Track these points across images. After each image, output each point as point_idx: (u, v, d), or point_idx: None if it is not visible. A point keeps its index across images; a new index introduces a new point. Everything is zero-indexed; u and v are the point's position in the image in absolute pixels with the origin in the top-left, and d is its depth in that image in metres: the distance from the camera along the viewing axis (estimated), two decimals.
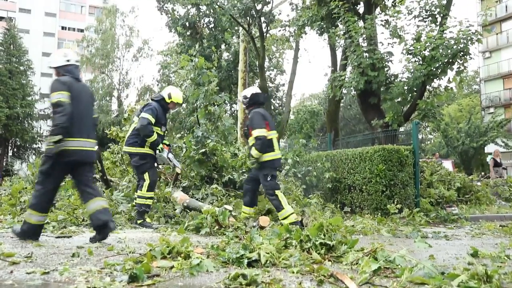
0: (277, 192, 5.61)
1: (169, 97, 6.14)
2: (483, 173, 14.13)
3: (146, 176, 5.81)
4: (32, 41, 46.38)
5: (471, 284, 2.44)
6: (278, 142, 6.32)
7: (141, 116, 5.84)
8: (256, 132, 5.63)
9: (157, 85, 37.97)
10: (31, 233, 4.07)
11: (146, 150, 5.87)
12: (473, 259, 3.36)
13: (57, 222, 5.30)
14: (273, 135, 5.80)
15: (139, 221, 5.74)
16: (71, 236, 4.54)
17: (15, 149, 36.69)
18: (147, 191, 5.79)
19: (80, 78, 4.40)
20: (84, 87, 4.45)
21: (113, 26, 40.07)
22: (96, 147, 7.34)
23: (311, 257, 3.29)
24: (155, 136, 5.84)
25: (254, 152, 5.64)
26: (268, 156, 5.67)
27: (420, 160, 8.95)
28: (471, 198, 10.02)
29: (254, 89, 6.25)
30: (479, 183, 11.39)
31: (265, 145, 5.62)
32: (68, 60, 4.34)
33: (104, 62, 38.54)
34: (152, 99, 6.23)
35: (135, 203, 5.90)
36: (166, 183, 7.76)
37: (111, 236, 4.56)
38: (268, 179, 5.63)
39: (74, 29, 52.75)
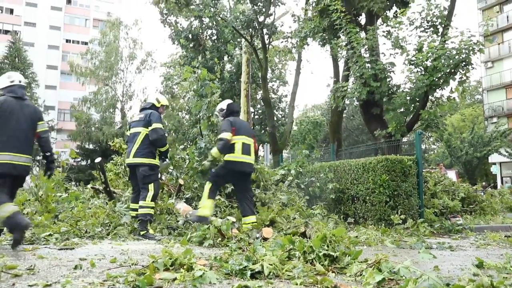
0: (209, 182, 6.11)
1: (158, 102, 6.39)
2: (484, 183, 13.97)
3: (151, 186, 5.89)
4: (37, 54, 46.80)
5: None
6: (256, 150, 6.76)
7: (156, 127, 5.96)
8: (220, 135, 6.08)
9: None
10: None
11: (156, 161, 6.06)
12: (478, 270, 3.33)
13: (60, 234, 5.28)
14: (238, 139, 6.07)
15: (142, 232, 5.69)
16: (73, 248, 4.53)
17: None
18: (151, 201, 5.87)
19: (23, 97, 4.80)
20: (25, 105, 4.76)
21: (116, 38, 40.40)
22: (100, 159, 7.40)
23: (315, 269, 3.27)
24: (168, 146, 6.21)
25: (214, 150, 6.15)
26: (227, 157, 6.05)
27: (423, 170, 8.92)
28: (476, 208, 9.96)
29: (228, 101, 6.71)
30: (483, 193, 11.33)
31: (226, 147, 5.97)
32: (12, 81, 4.77)
33: (107, 74, 38.77)
34: (145, 108, 6.32)
35: (139, 213, 5.88)
36: (169, 194, 7.75)
37: (114, 248, 4.55)
38: (213, 170, 6.32)
39: (78, 42, 53.27)
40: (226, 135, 5.98)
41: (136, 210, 6.10)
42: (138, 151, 5.98)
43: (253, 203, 6.47)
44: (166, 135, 6.61)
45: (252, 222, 5.96)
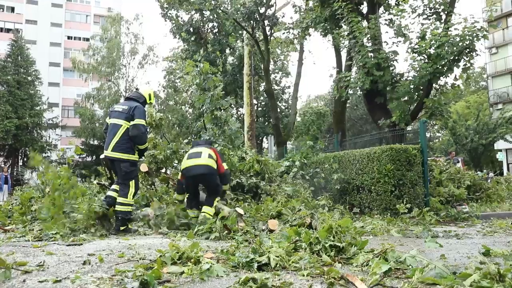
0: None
1: (150, 98, 6.13)
2: (486, 172, 13.78)
3: (132, 183, 5.70)
4: (39, 52, 46.83)
5: (484, 284, 2.41)
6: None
7: (138, 123, 5.66)
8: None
9: (163, 91, 38.10)
10: None
11: (136, 157, 5.81)
12: (485, 258, 3.33)
13: (67, 230, 5.31)
14: None
15: (122, 228, 5.57)
16: (81, 244, 4.57)
17: (25, 159, 37.00)
18: (132, 198, 5.73)
19: None
20: None
21: (118, 34, 40.32)
22: (104, 155, 7.41)
23: (321, 260, 3.28)
24: (147, 144, 5.84)
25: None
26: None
27: (428, 159, 8.89)
28: (482, 195, 9.93)
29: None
30: (489, 181, 11.29)
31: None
32: None
33: (110, 70, 38.75)
34: (132, 98, 6.02)
35: (119, 210, 5.60)
36: (174, 188, 7.78)
37: (122, 243, 4.58)
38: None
39: (80, 38, 53.23)
40: None
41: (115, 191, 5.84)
42: (118, 145, 5.67)
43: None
44: (148, 132, 6.29)
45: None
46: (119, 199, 5.63)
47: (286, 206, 6.73)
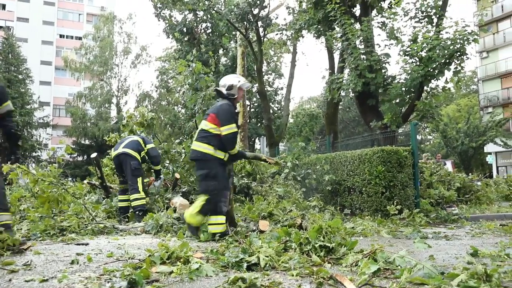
0: None
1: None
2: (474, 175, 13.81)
3: (140, 180, 6.49)
4: (31, 50, 46.48)
5: (471, 284, 2.43)
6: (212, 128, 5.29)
7: (154, 147, 6.98)
8: None
9: (156, 91, 37.97)
10: None
11: (140, 159, 6.69)
12: (472, 258, 3.36)
13: (55, 229, 5.27)
14: None
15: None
16: (70, 243, 4.53)
17: (8, 161, 36.56)
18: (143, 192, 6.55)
19: None
20: None
21: (111, 33, 40.16)
22: (95, 154, 7.41)
23: (311, 260, 3.28)
24: (160, 166, 7.19)
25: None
26: None
27: (419, 161, 8.95)
28: (471, 198, 10.02)
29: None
30: (479, 183, 11.39)
31: None
32: None
33: (102, 69, 38.57)
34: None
35: (136, 204, 6.36)
36: (165, 188, 7.75)
37: (111, 243, 4.56)
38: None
39: (72, 37, 52.90)
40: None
41: (125, 201, 6.60)
42: (128, 146, 6.61)
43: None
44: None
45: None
46: (133, 196, 6.37)
47: (277, 207, 6.73)
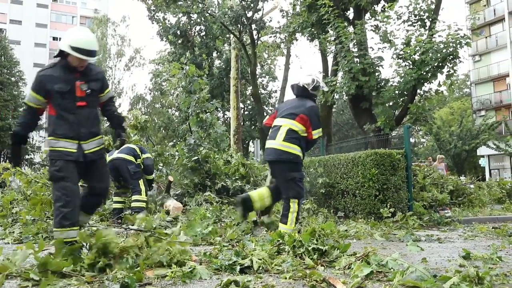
0: None
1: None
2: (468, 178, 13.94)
3: (141, 182, 6.46)
4: (24, 52, 46.23)
5: (463, 286, 2.45)
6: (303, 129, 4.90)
7: (150, 156, 6.92)
8: None
9: (150, 93, 37.92)
10: None
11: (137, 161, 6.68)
12: (465, 261, 3.37)
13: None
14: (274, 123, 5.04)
15: None
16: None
17: (7, 160, 36.37)
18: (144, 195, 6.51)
19: None
20: None
21: (104, 35, 40.09)
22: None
23: (304, 263, 3.28)
24: (153, 176, 7.15)
25: None
26: None
27: (412, 164, 8.98)
28: (464, 200, 10.07)
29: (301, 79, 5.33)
30: (472, 186, 11.45)
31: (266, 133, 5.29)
32: None
33: None
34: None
35: (135, 206, 6.34)
36: (159, 191, 7.73)
37: None
38: None
39: None
40: (264, 120, 5.34)
41: (119, 203, 6.67)
42: (123, 151, 6.54)
43: (285, 206, 4.80)
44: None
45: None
46: (135, 197, 6.36)
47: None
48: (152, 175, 7.07)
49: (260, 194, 4.98)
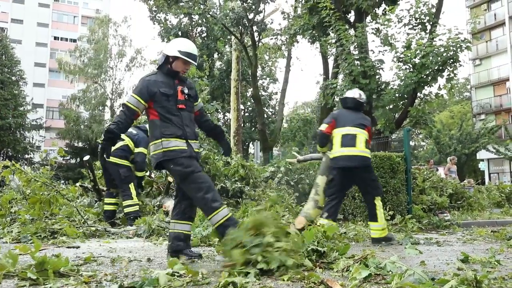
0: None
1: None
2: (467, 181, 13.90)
3: (132, 186, 6.34)
4: (25, 51, 46.20)
5: None
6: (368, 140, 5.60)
7: (142, 151, 6.48)
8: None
9: None
10: None
11: (129, 164, 6.48)
12: (463, 264, 3.37)
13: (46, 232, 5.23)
14: (337, 132, 5.40)
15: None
16: (61, 246, 4.50)
17: (6, 160, 36.31)
18: (136, 198, 6.39)
19: None
20: None
21: (105, 36, 40.08)
22: (88, 157, 7.36)
23: (302, 264, 3.28)
24: (144, 172, 7.01)
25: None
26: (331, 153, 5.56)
27: (412, 167, 8.98)
28: (463, 204, 10.07)
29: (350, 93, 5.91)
30: (471, 189, 11.45)
31: (322, 140, 5.62)
32: None
33: (96, 72, 38.45)
34: (139, 127, 6.79)
35: (129, 211, 6.23)
36: (158, 192, 7.73)
37: (102, 246, 4.53)
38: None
39: (66, 39, 52.70)
40: (321, 126, 5.61)
41: (111, 204, 6.54)
42: (114, 155, 6.10)
43: (371, 206, 5.38)
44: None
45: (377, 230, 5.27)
46: (126, 202, 6.26)
47: (270, 212, 6.71)
48: (143, 172, 6.92)
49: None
